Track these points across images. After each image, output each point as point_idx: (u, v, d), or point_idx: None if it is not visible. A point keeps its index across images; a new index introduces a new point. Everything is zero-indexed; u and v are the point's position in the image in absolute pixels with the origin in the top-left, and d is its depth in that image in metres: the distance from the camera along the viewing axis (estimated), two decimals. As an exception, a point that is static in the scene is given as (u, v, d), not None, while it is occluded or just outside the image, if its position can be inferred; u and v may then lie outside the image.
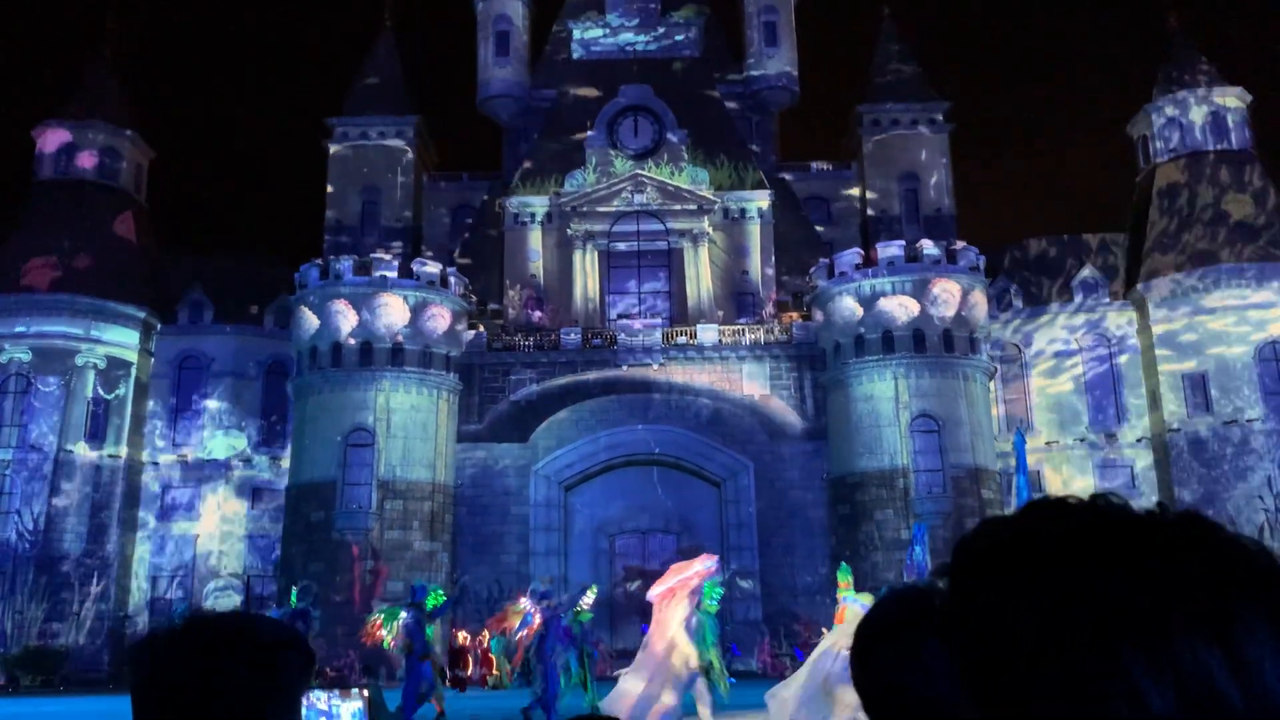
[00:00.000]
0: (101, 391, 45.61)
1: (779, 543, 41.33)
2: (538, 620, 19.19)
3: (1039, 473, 45.17)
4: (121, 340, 46.52)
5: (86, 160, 48.66)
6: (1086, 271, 47.52)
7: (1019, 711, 0.65)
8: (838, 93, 78.42)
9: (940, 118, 52.70)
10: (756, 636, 39.79)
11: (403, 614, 19.39)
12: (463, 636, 35.45)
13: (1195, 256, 45.07)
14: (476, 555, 41.36)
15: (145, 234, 49.78)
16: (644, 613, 41.94)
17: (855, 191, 52.74)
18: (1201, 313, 44.34)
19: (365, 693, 1.38)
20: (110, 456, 45.27)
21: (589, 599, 20.66)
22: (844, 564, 22.33)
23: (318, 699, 1.30)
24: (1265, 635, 0.65)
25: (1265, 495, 40.91)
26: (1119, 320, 46.74)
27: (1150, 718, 0.63)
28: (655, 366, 43.17)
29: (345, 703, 1.34)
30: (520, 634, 19.61)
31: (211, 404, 47.35)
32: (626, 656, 42.32)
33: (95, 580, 42.67)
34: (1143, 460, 44.89)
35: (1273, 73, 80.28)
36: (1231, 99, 47.86)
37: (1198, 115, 47.72)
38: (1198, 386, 43.95)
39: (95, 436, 45.11)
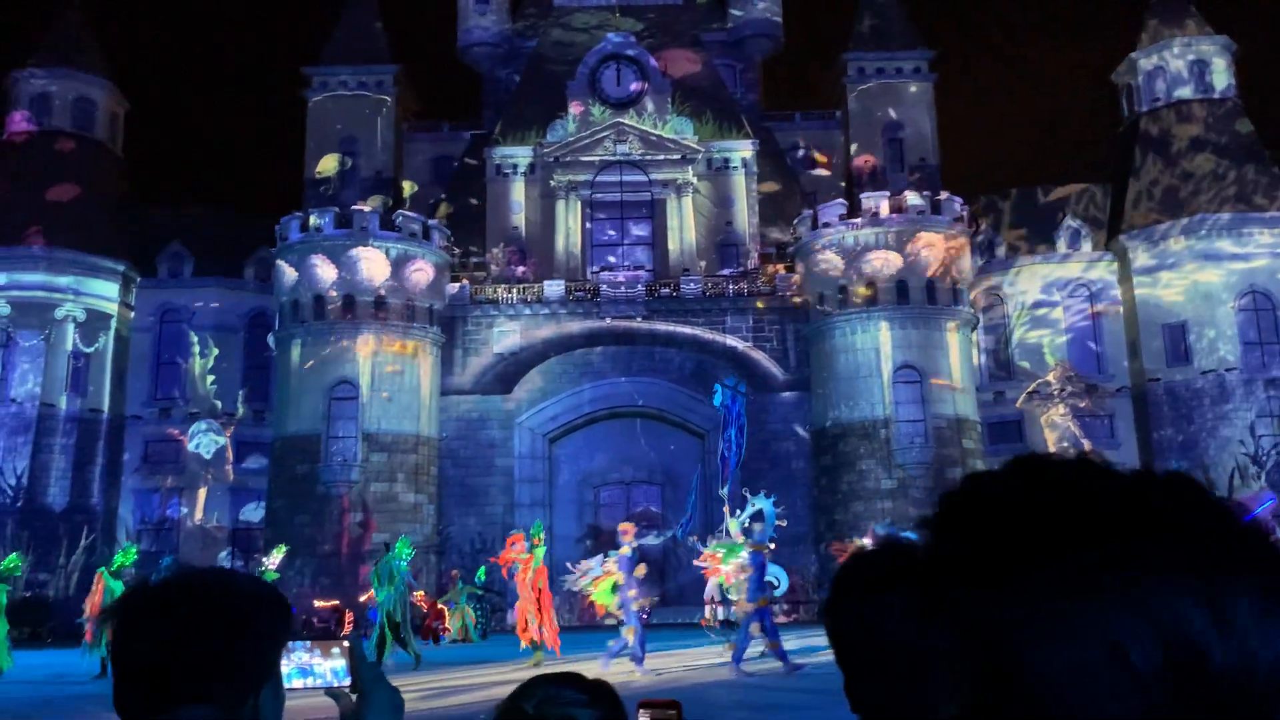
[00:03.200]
0: (81, 345, 45.34)
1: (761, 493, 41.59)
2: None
3: (1019, 423, 45.58)
4: (101, 293, 46.17)
5: (61, 111, 47.91)
6: (1069, 221, 47.60)
7: (1001, 655, 0.66)
8: (822, 41, 77.73)
9: (925, 66, 52.35)
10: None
11: (744, 552, 18.30)
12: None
13: (1177, 206, 45.17)
14: (462, 507, 41.56)
15: (122, 185, 49.21)
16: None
17: (839, 141, 52.49)
18: (1182, 263, 44.53)
19: (346, 645, 1.39)
20: (92, 410, 45.13)
21: (275, 559, 20.61)
22: (538, 522, 23.42)
23: (298, 655, 1.30)
24: (1250, 600, 0.66)
25: (1247, 440, 41.42)
26: (1100, 270, 46.92)
27: (1130, 670, 0.64)
28: (638, 319, 43.17)
29: (326, 660, 1.34)
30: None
31: (194, 357, 47.16)
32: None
33: (84, 534, 42.74)
34: (1122, 410, 45.32)
35: (1258, 22, 79.98)
36: (1216, 48, 47.71)
37: (1182, 64, 47.57)
38: (1177, 336, 44.27)
39: (77, 390, 44.93)
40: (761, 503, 21.44)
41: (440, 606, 32.40)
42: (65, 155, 46.90)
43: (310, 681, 1.53)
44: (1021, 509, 0.69)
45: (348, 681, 1.56)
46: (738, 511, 21.33)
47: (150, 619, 1.33)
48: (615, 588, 17.64)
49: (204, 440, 45.66)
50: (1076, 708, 0.64)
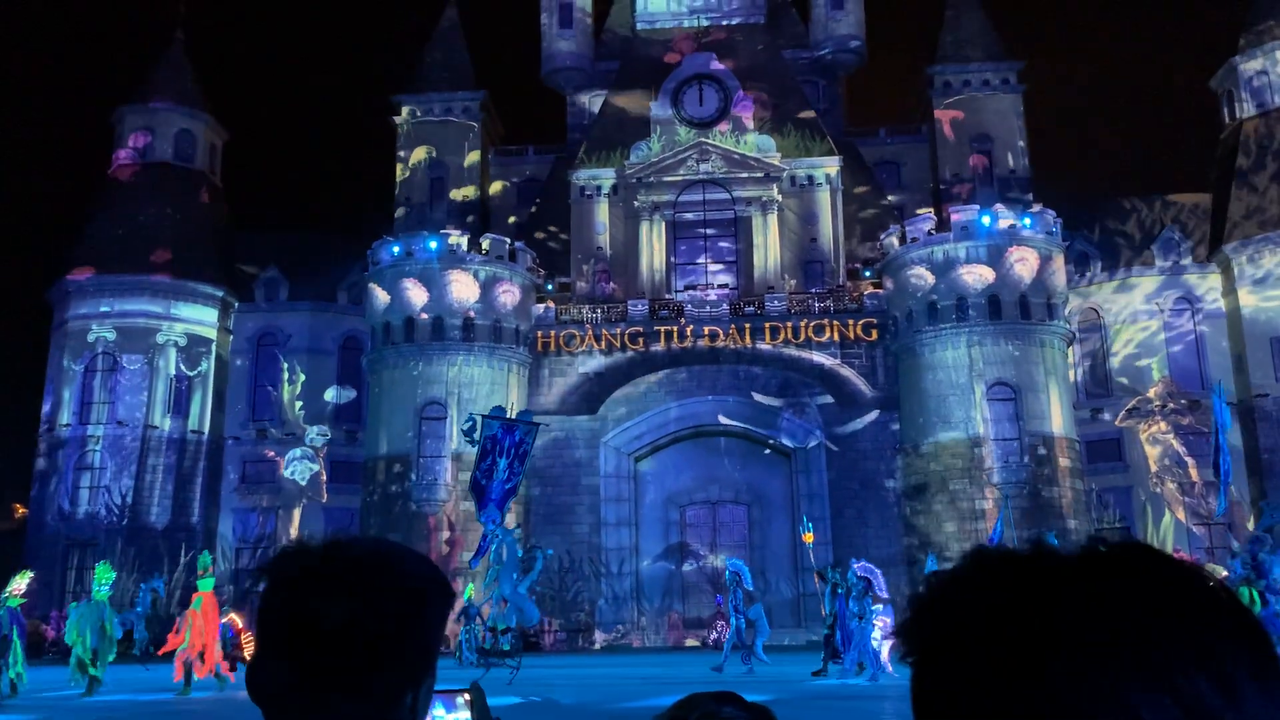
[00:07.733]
0: (184, 368, 46.89)
1: (851, 513, 41.00)
2: None
3: (1118, 441, 44.11)
4: (201, 318, 47.71)
5: (163, 143, 49.76)
6: (1168, 233, 46.09)
7: None
8: (907, 54, 76.96)
9: (1014, 78, 51.32)
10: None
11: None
12: (236, 618, 30.13)
13: (1284, 215, 43.40)
14: (549, 526, 41.70)
15: (221, 214, 50.84)
16: (715, 583, 42.00)
17: (926, 155, 51.71)
18: (1291, 273, 42.75)
19: (468, 697, 1.29)
20: (193, 432, 46.55)
21: (21, 584, 19.91)
22: (205, 552, 24.06)
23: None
24: (1246, 668, 0.71)
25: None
26: (1202, 283, 45.30)
27: None
28: (723, 336, 42.97)
29: (450, 713, 1.27)
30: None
31: (289, 379, 48.37)
32: (699, 625, 42.35)
33: (184, 552, 44.01)
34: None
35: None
36: (1323, 49, 45.83)
37: (1287, 67, 45.80)
38: (1287, 350, 42.45)
39: (179, 412, 46.42)
40: (508, 541, 23.39)
41: (247, 636, 26.58)
42: (167, 186, 48.66)
43: None
44: (1026, 598, 0.72)
45: None
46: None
47: (307, 591, 1.13)
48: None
49: (299, 468, 46.91)
50: None
